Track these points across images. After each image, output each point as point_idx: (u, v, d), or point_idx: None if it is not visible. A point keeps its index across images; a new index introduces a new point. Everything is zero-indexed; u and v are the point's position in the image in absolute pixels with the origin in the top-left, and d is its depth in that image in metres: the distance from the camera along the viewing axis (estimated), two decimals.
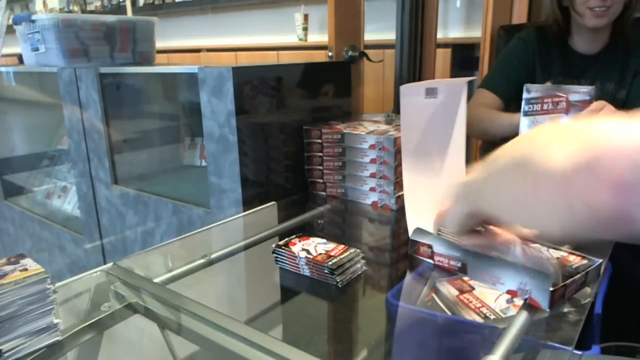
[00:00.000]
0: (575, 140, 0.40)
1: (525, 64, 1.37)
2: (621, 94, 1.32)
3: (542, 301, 0.61)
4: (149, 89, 1.69)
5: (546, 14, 1.37)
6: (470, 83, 0.84)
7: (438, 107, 0.81)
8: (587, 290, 0.66)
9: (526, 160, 0.43)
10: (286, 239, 0.82)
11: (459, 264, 0.71)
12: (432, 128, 0.82)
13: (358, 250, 0.77)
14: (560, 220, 0.42)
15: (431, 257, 0.75)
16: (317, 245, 0.79)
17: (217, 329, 0.60)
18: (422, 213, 0.76)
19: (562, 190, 0.40)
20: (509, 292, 0.65)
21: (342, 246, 0.78)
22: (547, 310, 0.61)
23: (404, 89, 0.80)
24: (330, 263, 0.72)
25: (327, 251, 0.77)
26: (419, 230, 0.76)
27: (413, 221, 0.80)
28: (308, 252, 0.77)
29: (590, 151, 0.38)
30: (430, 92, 0.80)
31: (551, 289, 0.60)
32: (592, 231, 0.42)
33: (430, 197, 0.71)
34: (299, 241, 0.81)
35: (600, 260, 0.67)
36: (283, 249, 0.78)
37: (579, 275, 0.64)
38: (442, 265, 0.73)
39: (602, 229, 0.40)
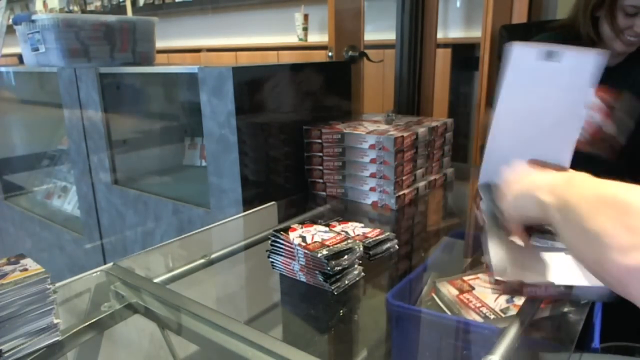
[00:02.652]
0: None
1: None
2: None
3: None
4: (149, 89, 1.69)
5: (569, 17, 1.31)
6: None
7: (559, 75, 0.72)
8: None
9: (612, 197, 0.42)
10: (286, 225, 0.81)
11: (482, 223, 0.73)
12: (544, 94, 0.74)
13: (358, 242, 0.76)
14: None
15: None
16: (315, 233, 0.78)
17: (217, 329, 0.60)
18: (498, 170, 0.75)
19: None
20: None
21: (341, 236, 0.77)
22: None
23: (516, 46, 0.72)
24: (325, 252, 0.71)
25: (323, 240, 0.76)
26: (484, 186, 0.79)
27: (485, 175, 0.81)
28: (304, 239, 0.76)
29: None
30: (552, 56, 0.72)
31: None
32: None
33: (513, 159, 0.70)
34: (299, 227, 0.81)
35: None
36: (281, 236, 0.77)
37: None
38: (477, 221, 0.76)
39: None
